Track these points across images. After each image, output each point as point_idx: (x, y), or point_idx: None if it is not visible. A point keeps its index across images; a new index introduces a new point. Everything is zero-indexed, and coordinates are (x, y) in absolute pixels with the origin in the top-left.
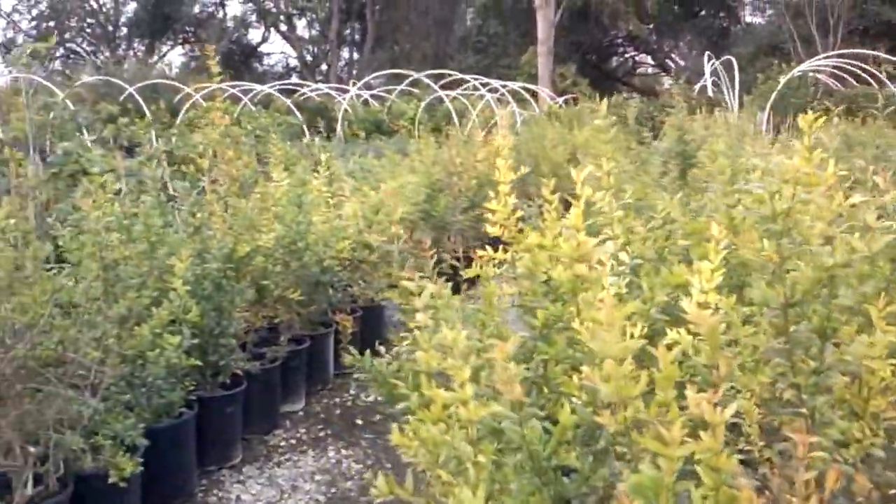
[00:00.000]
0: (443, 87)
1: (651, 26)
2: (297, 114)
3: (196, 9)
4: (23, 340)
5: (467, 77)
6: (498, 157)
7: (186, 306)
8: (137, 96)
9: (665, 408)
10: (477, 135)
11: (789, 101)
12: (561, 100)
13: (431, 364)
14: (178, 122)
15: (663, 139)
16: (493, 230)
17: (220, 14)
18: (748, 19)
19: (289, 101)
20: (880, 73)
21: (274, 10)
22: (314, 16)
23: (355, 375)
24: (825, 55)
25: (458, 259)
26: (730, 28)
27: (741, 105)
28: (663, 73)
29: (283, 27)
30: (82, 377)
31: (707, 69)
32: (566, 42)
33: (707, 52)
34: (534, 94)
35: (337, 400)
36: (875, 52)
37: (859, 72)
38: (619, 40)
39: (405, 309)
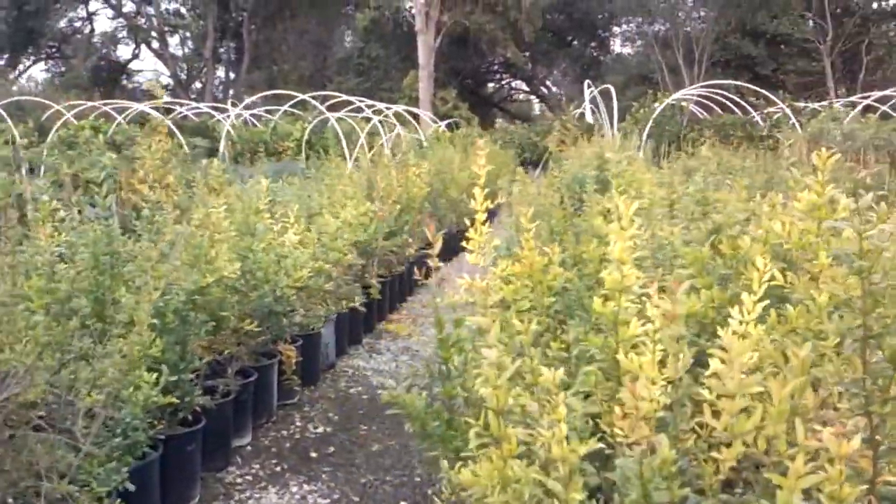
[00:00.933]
0: (328, 109)
1: (527, 54)
2: (178, 134)
3: (62, 23)
4: (13, 383)
5: (353, 99)
6: (414, 183)
7: (150, 341)
8: (3, 113)
9: (776, 440)
10: (384, 159)
11: (664, 128)
12: (443, 124)
13: (503, 401)
14: (48, 140)
15: (562, 164)
16: (472, 258)
17: (88, 29)
18: (618, 50)
19: (167, 121)
20: (745, 102)
21: (145, 26)
22: (188, 33)
23: (306, 407)
24: (697, 85)
25: (383, 283)
26: (601, 58)
27: (619, 131)
28: (537, 100)
29: (155, 44)
30: (67, 421)
31: (587, 96)
32: (445, 67)
33: (587, 81)
34: (415, 117)
35: (284, 433)
36: (743, 84)
37: (724, 101)
38: (496, 67)
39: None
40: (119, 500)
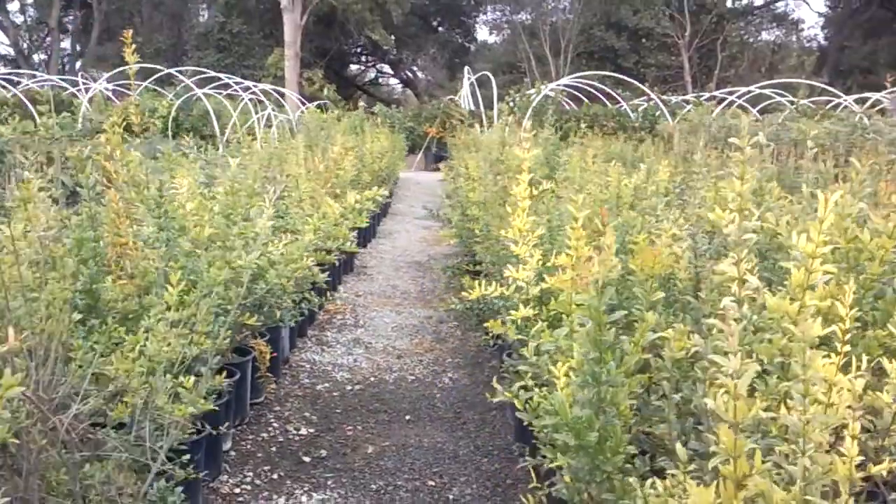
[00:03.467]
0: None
1: (393, 37)
2: (31, 107)
3: None
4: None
5: (221, 76)
6: (342, 167)
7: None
8: None
9: None
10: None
11: (542, 117)
12: (312, 105)
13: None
14: None
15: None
16: (515, 249)
17: None
18: (484, 38)
19: (18, 93)
20: (615, 93)
21: None
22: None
23: (276, 406)
24: (575, 75)
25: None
26: (467, 45)
27: (499, 119)
28: (401, 84)
29: None
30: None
31: (465, 82)
32: (311, 47)
33: (466, 68)
34: (281, 96)
35: (264, 435)
36: (619, 76)
37: (593, 91)
38: (359, 49)
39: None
40: None
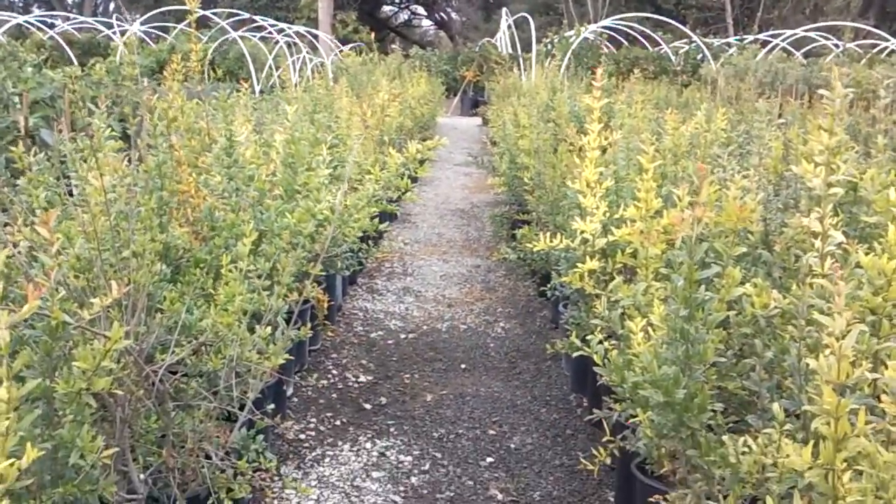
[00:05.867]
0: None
1: None
2: (68, 50)
3: None
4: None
5: (256, 18)
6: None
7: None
8: None
9: None
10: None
11: (581, 60)
12: (347, 47)
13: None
14: None
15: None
16: (583, 200)
17: None
18: None
19: (56, 35)
20: (655, 35)
21: None
22: None
23: (333, 354)
24: (615, 17)
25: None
26: None
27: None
28: (435, 26)
29: None
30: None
31: (503, 25)
32: None
33: (504, 9)
34: (314, 38)
35: (324, 382)
36: (662, 18)
37: (632, 34)
38: None
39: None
40: None
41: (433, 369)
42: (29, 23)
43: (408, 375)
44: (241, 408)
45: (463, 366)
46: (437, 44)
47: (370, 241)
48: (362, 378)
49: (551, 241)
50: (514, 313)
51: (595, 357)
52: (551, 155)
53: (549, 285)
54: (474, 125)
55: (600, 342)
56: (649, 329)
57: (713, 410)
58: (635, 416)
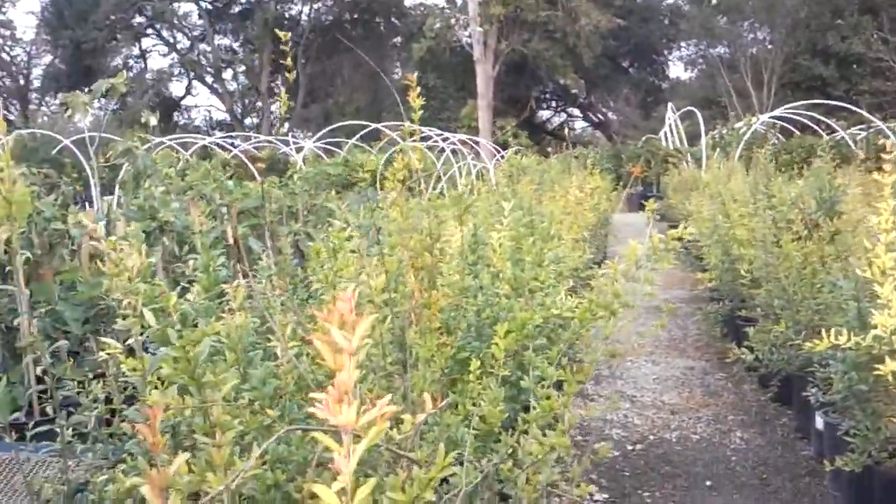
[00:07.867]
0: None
1: (584, 81)
2: (251, 166)
3: (117, 60)
4: None
5: (424, 129)
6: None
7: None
8: (77, 151)
9: None
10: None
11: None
12: (509, 151)
13: None
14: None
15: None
16: (881, 290)
17: (141, 65)
18: (676, 74)
19: (241, 154)
20: (832, 122)
21: (202, 61)
22: (241, 67)
23: None
24: (787, 106)
25: None
26: (658, 83)
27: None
28: (592, 127)
29: (209, 79)
30: None
31: (668, 119)
32: (502, 95)
33: (670, 104)
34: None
35: (556, 500)
36: (832, 102)
37: (805, 122)
38: (547, 94)
39: None
40: None
41: (674, 486)
42: (214, 143)
43: (647, 493)
44: None
45: (708, 482)
46: (595, 144)
47: None
48: (597, 496)
49: (834, 340)
50: (749, 421)
51: None
52: (773, 245)
53: (808, 390)
54: (644, 220)
55: None
56: None
57: None
58: None
